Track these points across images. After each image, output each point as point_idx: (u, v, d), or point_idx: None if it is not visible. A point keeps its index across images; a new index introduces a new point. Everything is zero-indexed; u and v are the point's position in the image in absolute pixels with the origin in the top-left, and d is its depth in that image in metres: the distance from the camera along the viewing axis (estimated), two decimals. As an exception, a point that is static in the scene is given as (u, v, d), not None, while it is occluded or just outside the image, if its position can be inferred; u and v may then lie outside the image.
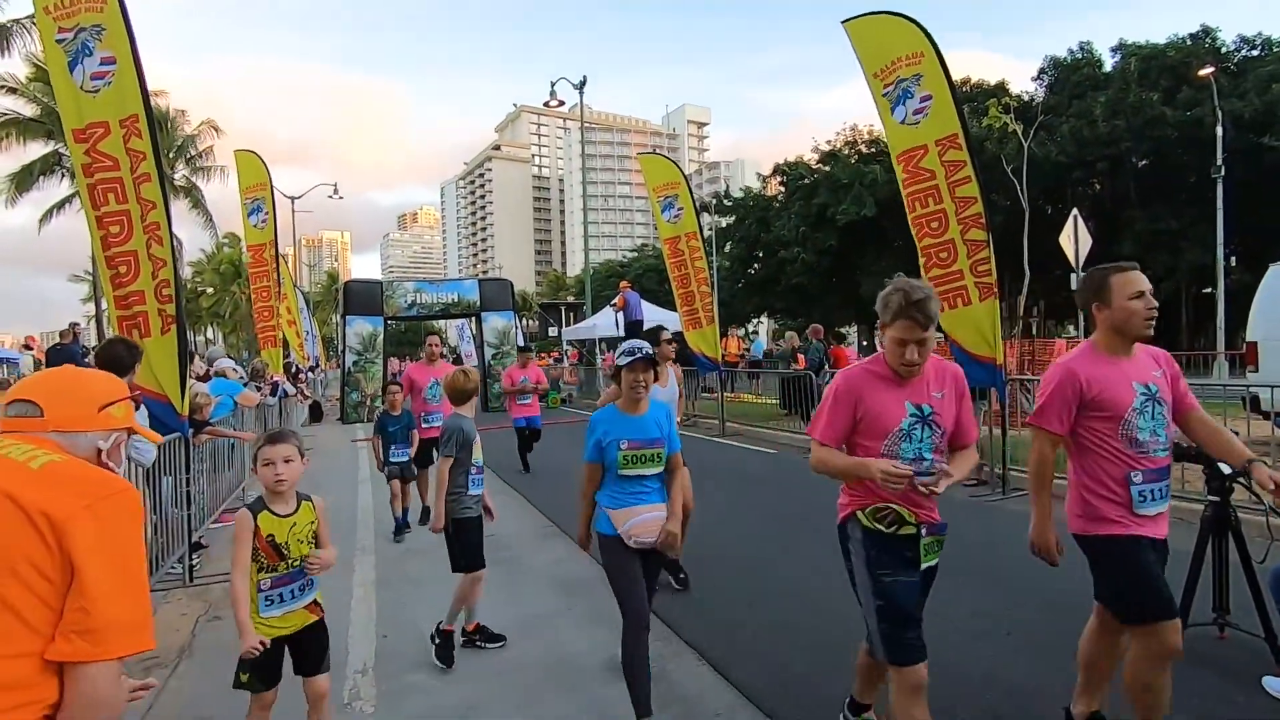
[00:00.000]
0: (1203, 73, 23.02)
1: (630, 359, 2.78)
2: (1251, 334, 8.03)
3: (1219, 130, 21.43)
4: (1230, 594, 3.34)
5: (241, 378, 8.99)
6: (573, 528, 5.95)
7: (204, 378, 7.57)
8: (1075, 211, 13.06)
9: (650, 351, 2.81)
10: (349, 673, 3.44)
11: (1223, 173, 21.21)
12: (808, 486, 7.67)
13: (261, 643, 2.29)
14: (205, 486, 6.13)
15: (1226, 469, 3.21)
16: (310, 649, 2.50)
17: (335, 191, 35.67)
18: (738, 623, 3.87)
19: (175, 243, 5.37)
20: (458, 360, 32.16)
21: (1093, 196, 30.04)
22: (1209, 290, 25.29)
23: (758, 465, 9.00)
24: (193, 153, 29.72)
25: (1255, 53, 28.06)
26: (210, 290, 47.91)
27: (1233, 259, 24.00)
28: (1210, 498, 3.31)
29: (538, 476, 8.34)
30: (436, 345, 6.65)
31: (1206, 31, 28.66)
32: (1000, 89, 31.62)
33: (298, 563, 2.40)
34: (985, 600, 4.04)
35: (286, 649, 2.45)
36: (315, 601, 2.50)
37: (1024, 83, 43.91)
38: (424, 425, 6.28)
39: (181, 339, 5.15)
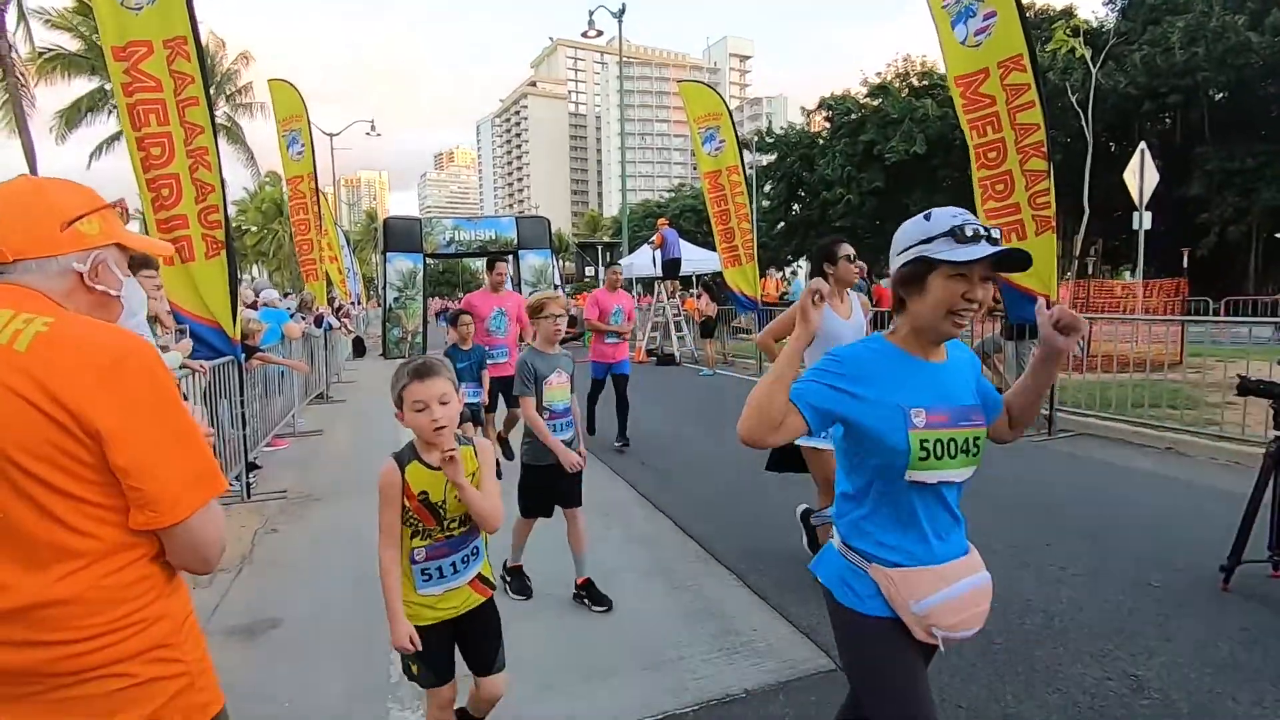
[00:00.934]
0: (1297, -7, 21.04)
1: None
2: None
3: (1310, 57, 19.68)
4: (1289, 532, 3.24)
5: (288, 308, 9.22)
6: (612, 457, 6.08)
7: (251, 306, 7.77)
8: (1143, 145, 12.28)
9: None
10: (399, 581, 3.60)
11: (1310, 105, 19.57)
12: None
13: (413, 638, 1.84)
14: (258, 410, 6.35)
15: (1298, 402, 3.07)
16: (480, 640, 2.02)
17: (373, 129, 35.50)
18: (774, 550, 3.91)
19: (222, 176, 5.42)
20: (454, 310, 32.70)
21: (1161, 132, 28.18)
22: (1281, 234, 23.84)
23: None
24: (232, 89, 29.83)
25: (1359, -31, 25.44)
26: (254, 229, 48.78)
27: (1311, 200, 22.44)
28: (1276, 433, 3.17)
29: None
30: (504, 272, 5.82)
31: (1305, -54, 26.03)
32: (1067, 13, 29.44)
33: (458, 527, 1.92)
34: (1027, 534, 4.00)
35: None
36: (482, 577, 2.00)
37: (1094, 4, 40.60)
38: (488, 362, 5.69)
39: (231, 265, 5.25)
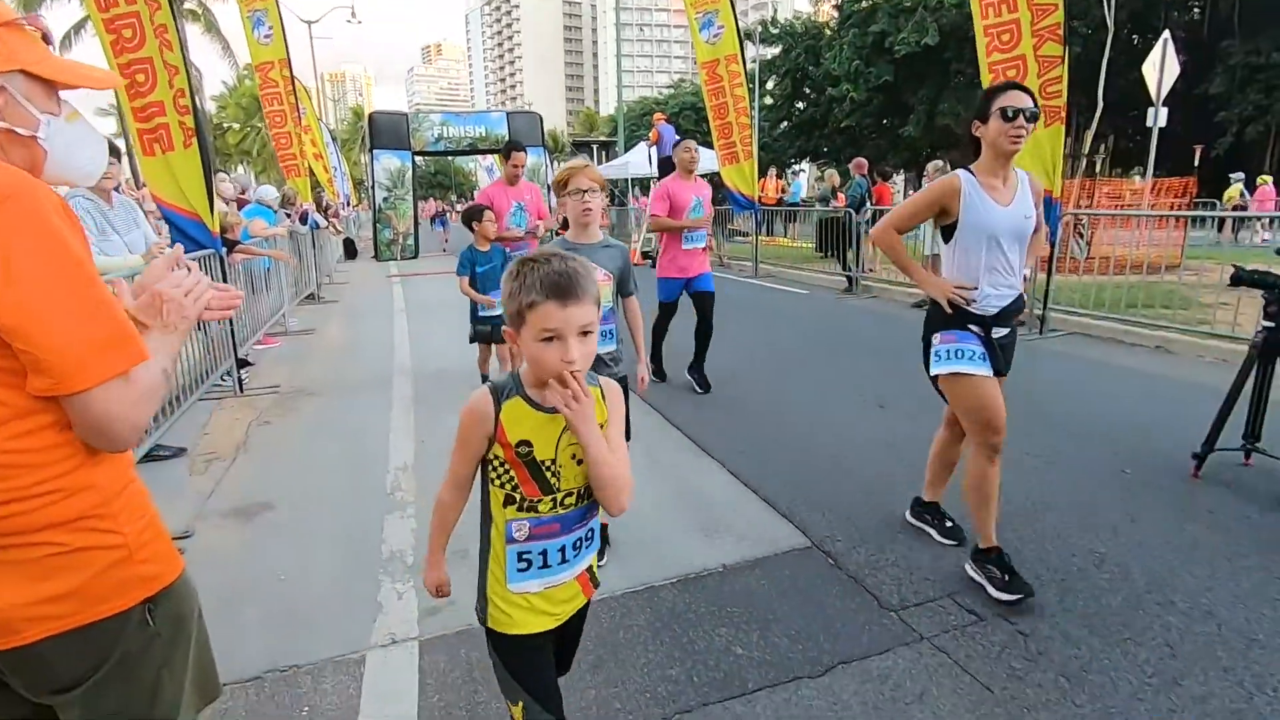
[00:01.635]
0: None
1: None
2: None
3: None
4: (1265, 422, 3.29)
5: (285, 211, 8.93)
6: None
7: (238, 203, 7.54)
8: (1166, 35, 11.60)
9: None
10: (390, 467, 3.68)
11: (1349, -8, 18.36)
12: (836, 319, 7.63)
13: (441, 588, 1.52)
14: (246, 307, 6.30)
15: (1290, 292, 3.04)
16: (567, 649, 1.55)
17: (353, 15, 33.44)
18: (758, 439, 3.98)
19: (189, 62, 5.10)
20: (472, 205, 31.91)
21: (1188, 24, 26.62)
22: (1301, 135, 22.99)
23: (789, 304, 8.91)
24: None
25: None
26: (235, 126, 46.86)
27: (1336, 98, 21.51)
28: (1265, 324, 3.15)
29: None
30: (522, 161, 4.99)
31: None
32: (1101, -113, 27.08)
33: (574, 499, 1.33)
34: (1027, 434, 4.05)
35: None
36: (590, 571, 1.44)
37: (1131, -120, 37.66)
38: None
39: (205, 154, 5.06)
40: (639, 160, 17.40)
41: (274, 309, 7.50)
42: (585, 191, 2.51)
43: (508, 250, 4.69)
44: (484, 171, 38.74)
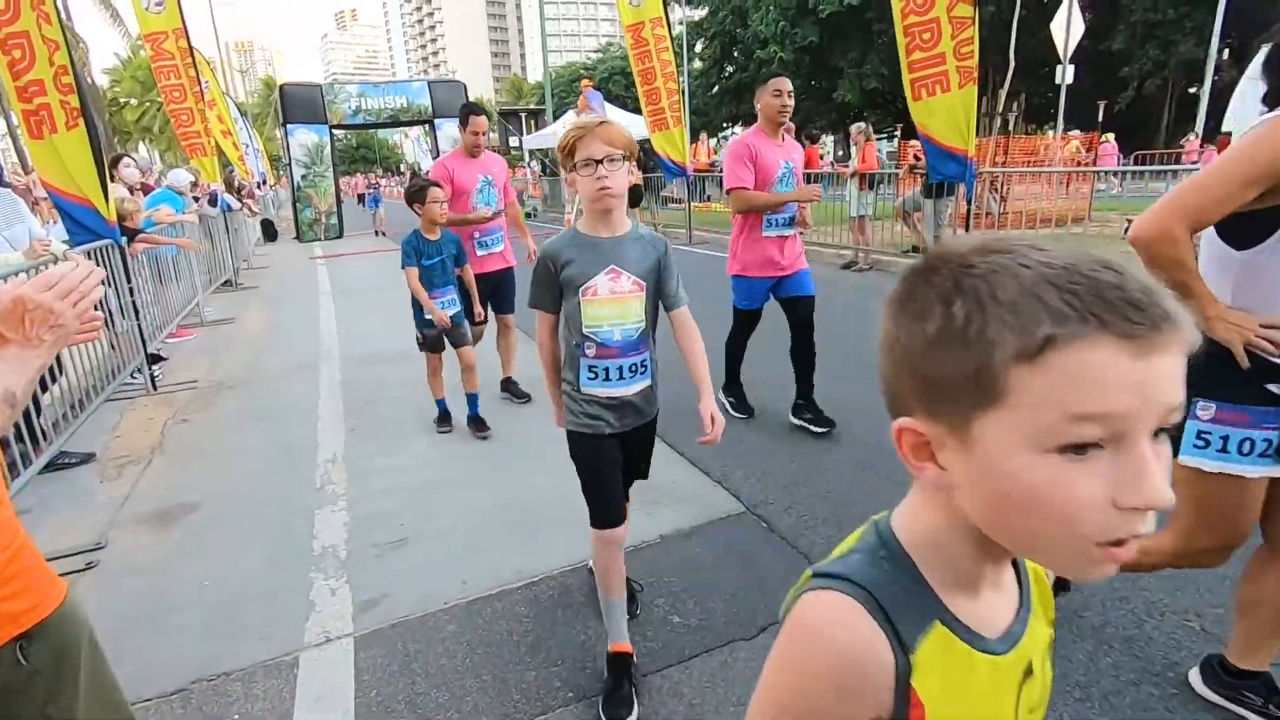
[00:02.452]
0: None
1: None
2: (1228, 124, 7.80)
3: (1241, -102, 19.29)
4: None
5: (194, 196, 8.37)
6: (530, 325, 6.01)
7: (145, 189, 7.03)
8: (1072, -7, 12.06)
9: None
10: (320, 459, 3.57)
11: (1235, -50, 19.44)
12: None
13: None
14: (154, 298, 5.93)
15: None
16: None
17: (255, -21, 31.29)
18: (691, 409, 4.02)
19: (69, 31, 4.68)
20: (417, 175, 30.59)
21: (1094, -18, 27.66)
22: (1194, 89, 24.39)
23: (723, 269, 8.97)
24: (77, -72, 25.42)
25: None
26: (133, 102, 43.60)
27: (1225, 52, 22.87)
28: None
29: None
30: (483, 128, 4.09)
31: None
32: None
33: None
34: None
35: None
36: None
37: None
38: (477, 253, 4.09)
39: (93, 135, 4.68)
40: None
41: (186, 299, 7.09)
42: (600, 161, 1.72)
43: (477, 236, 4.09)
44: (410, 143, 37.28)
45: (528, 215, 17.94)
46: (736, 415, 3.91)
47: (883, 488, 2.97)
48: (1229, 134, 7.97)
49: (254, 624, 2.29)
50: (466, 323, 3.94)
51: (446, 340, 3.87)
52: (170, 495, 3.28)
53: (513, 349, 4.47)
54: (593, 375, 1.86)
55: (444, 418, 3.95)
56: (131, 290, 5.01)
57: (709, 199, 16.01)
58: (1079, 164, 11.23)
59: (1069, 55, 12.04)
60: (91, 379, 4.36)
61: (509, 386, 4.46)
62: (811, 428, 3.63)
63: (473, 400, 3.90)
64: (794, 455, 3.36)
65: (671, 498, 2.99)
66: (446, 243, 3.74)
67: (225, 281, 9.41)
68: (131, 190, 6.28)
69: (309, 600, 2.40)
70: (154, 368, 5.26)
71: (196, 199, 8.47)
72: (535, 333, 1.98)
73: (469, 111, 4.17)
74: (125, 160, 6.74)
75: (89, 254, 4.47)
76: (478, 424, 3.85)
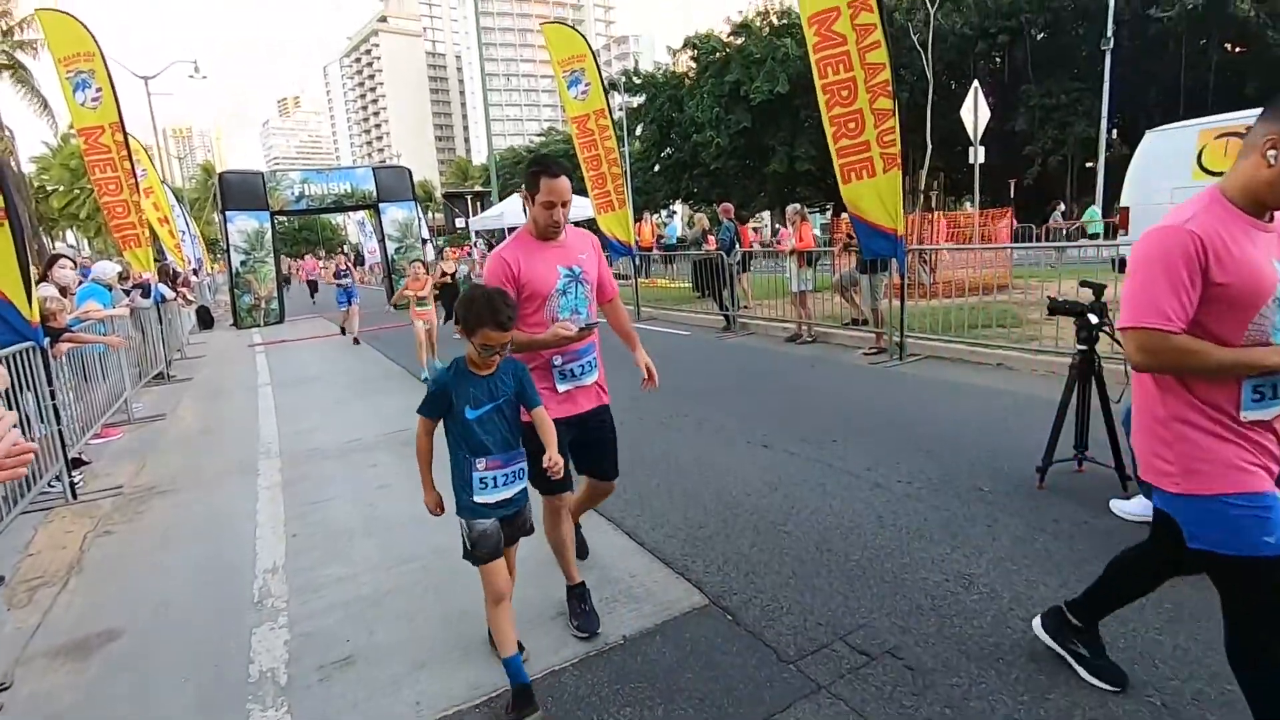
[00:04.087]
0: (1101, -61, 23.07)
1: None
2: (1125, 199, 8.55)
3: (1110, 1, 21.79)
4: (1090, 432, 3.70)
5: (122, 288, 8.09)
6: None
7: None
8: (976, 84, 13.19)
9: None
10: (258, 570, 3.35)
11: (1111, 44, 21.79)
12: (717, 359, 7.88)
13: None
14: (77, 399, 5.62)
15: (1095, 319, 3.45)
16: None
17: (197, 70, 31.53)
18: (650, 492, 3.99)
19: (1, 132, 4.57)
20: (359, 259, 30.24)
21: (993, 71, 30.45)
22: (1091, 164, 26.70)
23: (673, 345, 9.12)
24: (10, 23, 25.32)
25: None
26: (60, 189, 42.51)
27: (1114, 132, 25.25)
28: (1079, 347, 3.57)
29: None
30: (563, 196, 2.52)
31: (1108, -106, 28.45)
32: (910, -46, 30.74)
33: None
34: (880, 454, 4.33)
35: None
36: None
37: (934, -51, 42.92)
38: (558, 388, 2.63)
39: (17, 236, 4.51)
40: (514, 210, 17.38)
41: (113, 395, 6.74)
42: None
43: (559, 362, 2.60)
44: (354, 225, 37.20)
45: (475, 295, 17.97)
46: None
47: (845, 569, 2.97)
48: (1127, 207, 8.63)
49: (181, 771, 2.08)
50: (529, 507, 2.39)
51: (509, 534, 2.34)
52: (88, 622, 3.01)
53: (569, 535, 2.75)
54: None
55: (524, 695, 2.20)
56: (53, 393, 4.74)
57: (653, 275, 16.40)
58: (988, 238, 12.07)
59: (979, 138, 13.06)
60: (3, 490, 4.05)
61: (576, 599, 2.71)
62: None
63: (515, 666, 2.23)
64: (753, 540, 3.33)
65: (631, 596, 2.91)
66: (506, 377, 2.26)
67: (157, 375, 9.01)
68: (64, 291, 6.03)
69: (245, 737, 2.21)
70: (75, 473, 4.93)
71: (127, 291, 8.20)
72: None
73: (541, 172, 2.48)
74: (62, 261, 6.48)
75: (6, 360, 4.23)
76: (520, 701, 2.18)
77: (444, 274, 11.69)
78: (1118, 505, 3.31)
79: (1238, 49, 25.76)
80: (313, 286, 24.19)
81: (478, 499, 2.23)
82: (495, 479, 2.23)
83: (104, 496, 4.70)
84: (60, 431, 4.74)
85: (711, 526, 3.52)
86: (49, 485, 4.66)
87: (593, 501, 3.06)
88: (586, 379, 2.68)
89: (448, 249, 12.04)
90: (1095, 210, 22.18)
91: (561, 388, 2.63)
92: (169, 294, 10.31)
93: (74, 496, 4.68)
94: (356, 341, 11.41)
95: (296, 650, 2.67)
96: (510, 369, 2.29)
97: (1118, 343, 3.70)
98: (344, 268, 12.59)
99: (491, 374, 2.24)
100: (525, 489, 2.34)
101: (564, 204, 2.51)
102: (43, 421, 4.64)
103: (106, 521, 4.24)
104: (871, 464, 4.19)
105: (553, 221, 2.54)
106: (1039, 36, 28.95)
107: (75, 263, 7.04)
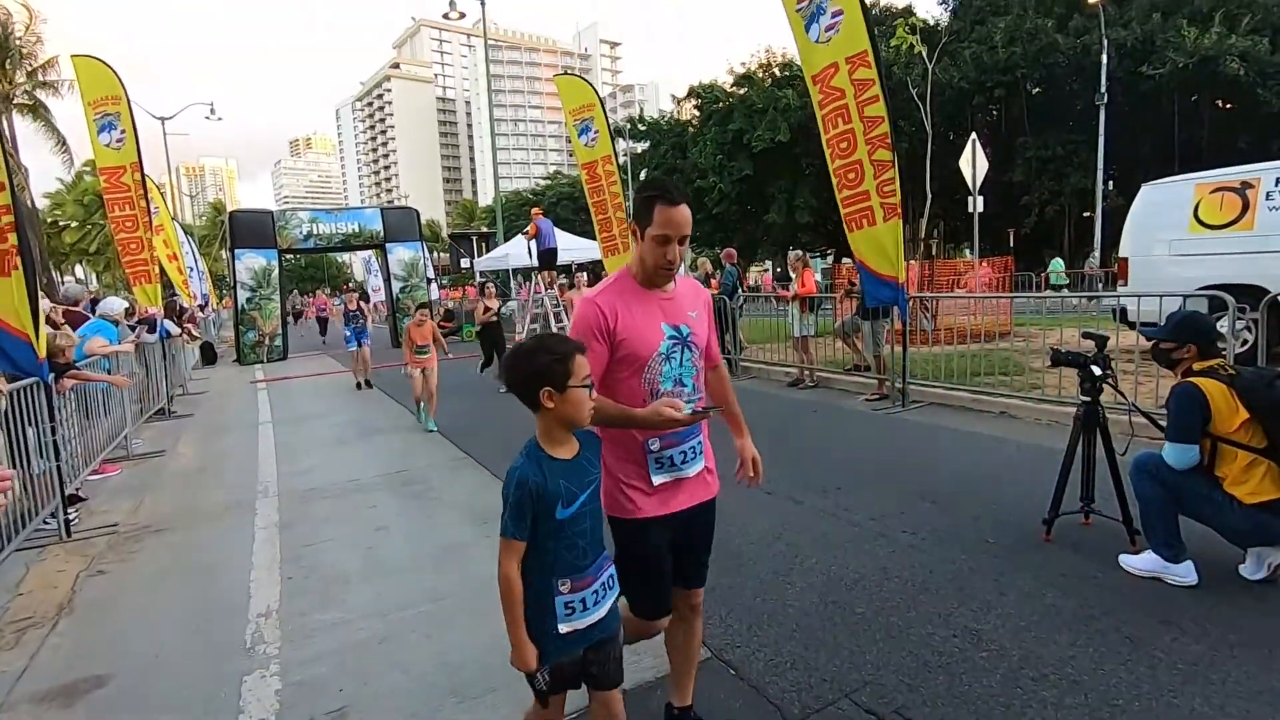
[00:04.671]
0: (1092, 0, 23.91)
1: None
2: (1124, 251, 8.64)
3: (1104, 58, 22.46)
4: (1096, 484, 3.67)
5: (129, 324, 8.15)
6: (490, 458, 5.88)
7: (65, 318, 6.82)
8: (974, 136, 13.48)
9: None
10: (251, 615, 3.29)
11: (1105, 100, 22.39)
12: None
13: None
14: (78, 435, 5.60)
15: (1098, 371, 3.46)
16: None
17: (212, 112, 32.37)
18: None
19: (13, 165, 4.67)
20: (364, 297, 30.52)
21: (990, 123, 31.19)
22: (1088, 214, 27.12)
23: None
24: (33, 64, 26.10)
25: (1139, -18, 29.30)
26: (74, 224, 43.17)
27: (1110, 183, 25.72)
28: (1083, 398, 3.57)
29: (450, 412, 8.00)
30: (680, 228, 1.92)
31: (1097, -41, 29.59)
32: (907, 11, 31.80)
33: None
34: (884, 504, 4.28)
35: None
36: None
37: (930, 5, 44.25)
38: (652, 479, 2.00)
39: (29, 274, 4.57)
40: (519, 252, 17.59)
41: (114, 431, 6.72)
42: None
43: (656, 448, 1.98)
44: (360, 262, 37.60)
45: (477, 334, 18.06)
46: None
47: (851, 623, 2.91)
48: (1125, 258, 8.72)
49: (164, 828, 2.01)
50: (621, 630, 1.91)
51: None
52: (75, 666, 2.94)
53: (694, 655, 2.32)
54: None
55: None
56: (54, 429, 4.72)
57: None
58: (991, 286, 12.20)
59: (978, 187, 13.29)
60: (-3, 528, 4.01)
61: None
62: None
63: None
64: (756, 591, 3.28)
65: (630, 647, 2.84)
66: (591, 455, 1.80)
67: (158, 410, 9.00)
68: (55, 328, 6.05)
69: (231, 793, 2.14)
70: (71, 510, 4.89)
71: (133, 326, 8.25)
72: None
73: (656, 197, 1.92)
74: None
75: (13, 394, 4.23)
76: None
77: (486, 310, 10.16)
78: (1126, 560, 3.27)
79: (1228, 105, 26.41)
80: (323, 324, 23.07)
81: (563, 628, 1.69)
82: (586, 599, 1.72)
83: (99, 534, 4.65)
84: (59, 467, 4.71)
85: (713, 577, 3.44)
86: (44, 522, 4.61)
87: (690, 632, 2.28)
88: (690, 469, 2.05)
89: (488, 285, 11.41)
90: (1059, 262, 22.82)
91: (657, 480, 2.00)
92: (174, 330, 10.38)
93: (68, 534, 4.63)
94: (369, 385, 10.81)
95: (288, 699, 2.60)
96: (589, 441, 1.81)
97: (1121, 395, 3.72)
98: (355, 307, 11.65)
99: (576, 456, 1.74)
100: (615, 611, 1.83)
101: (681, 240, 1.94)
102: (42, 457, 4.62)
103: (100, 560, 4.18)
104: (876, 514, 4.14)
105: (666, 262, 1.95)
106: (1034, 91, 29.73)
107: (78, 301, 7.10)
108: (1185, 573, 3.05)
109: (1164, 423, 3.14)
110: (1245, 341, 7.01)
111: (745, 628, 2.94)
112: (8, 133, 24.47)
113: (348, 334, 11.38)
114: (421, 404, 7.55)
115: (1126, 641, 2.67)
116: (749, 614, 3.06)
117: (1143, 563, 3.19)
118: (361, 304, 12.10)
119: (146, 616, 3.41)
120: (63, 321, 6.23)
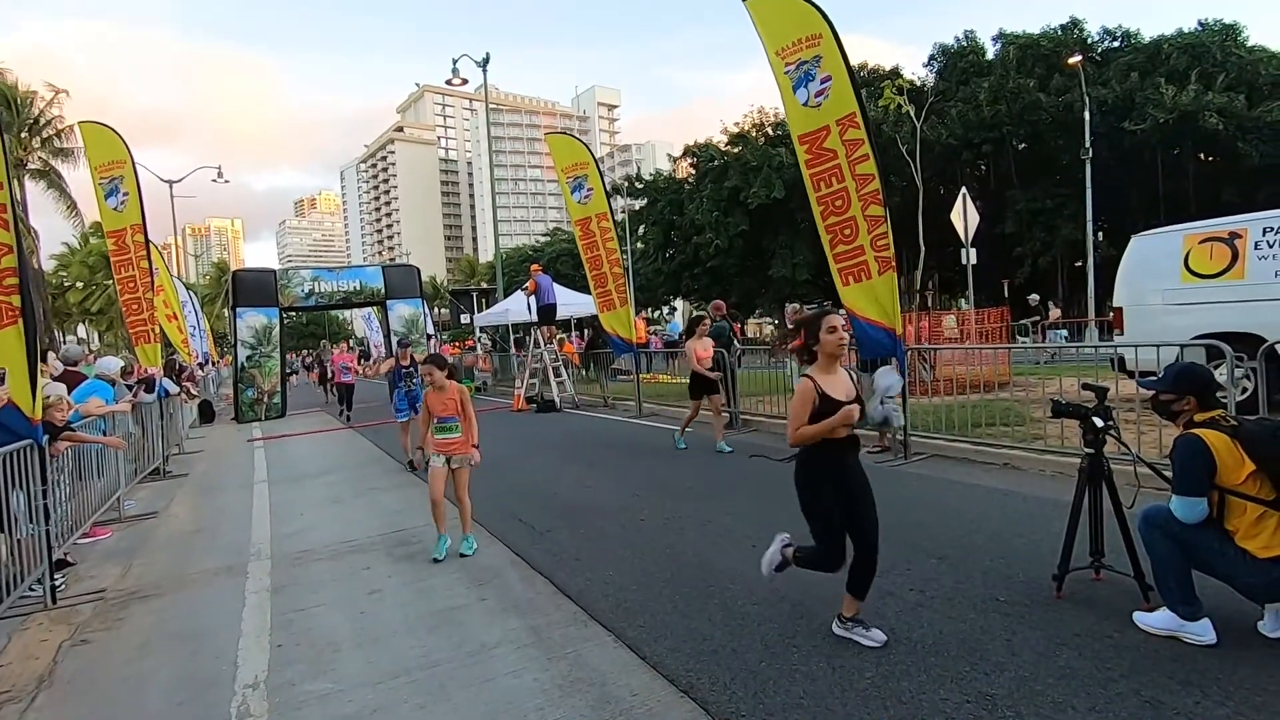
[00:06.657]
0: (1072, 61, 24.86)
1: None
2: (1117, 300, 8.72)
3: (1086, 115, 23.18)
4: (1105, 538, 3.59)
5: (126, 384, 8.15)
6: (486, 516, 5.77)
7: (63, 379, 6.82)
8: (964, 191, 13.80)
9: None
10: (238, 687, 3.17)
11: (1090, 154, 22.98)
12: (719, 456, 7.77)
13: None
14: (68, 497, 5.51)
15: (1100, 422, 3.43)
16: None
17: (220, 175, 33.17)
18: (652, 599, 3.83)
19: (23, 229, 4.76)
20: (365, 353, 30.61)
21: (979, 177, 31.97)
22: (1080, 264, 27.51)
23: (671, 442, 9.03)
24: (49, 132, 26.90)
25: (1116, 44, 30.55)
26: (79, 285, 43.71)
27: (1100, 234, 26.18)
28: (1086, 450, 3.53)
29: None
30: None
31: (1075, 23, 30.92)
32: (894, 73, 33.02)
33: None
34: (888, 559, 4.18)
35: None
36: None
37: (915, 67, 46.17)
38: None
39: (30, 334, 4.59)
40: (519, 308, 17.75)
41: (107, 493, 6.62)
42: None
43: None
44: (361, 319, 37.90)
45: (477, 390, 18.06)
46: None
47: (860, 688, 2.80)
48: (1120, 308, 8.79)
49: None
50: None
51: None
52: (52, 744, 2.82)
53: None
54: None
55: None
56: (45, 492, 4.65)
57: (653, 370, 16.52)
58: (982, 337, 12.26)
59: (970, 240, 13.52)
60: (-20, 596, 3.90)
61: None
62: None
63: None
64: (761, 654, 3.17)
65: (633, 714, 2.74)
66: None
67: (153, 470, 8.90)
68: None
69: None
70: (58, 576, 4.77)
71: (130, 386, 8.24)
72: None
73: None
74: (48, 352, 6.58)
75: (3, 458, 4.19)
76: None
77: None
78: (1141, 618, 3.17)
79: (1211, 158, 27.15)
80: (345, 393, 15.00)
81: None
82: None
83: (85, 601, 4.53)
84: (48, 532, 4.62)
85: (717, 639, 3.36)
86: (30, 589, 4.49)
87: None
88: None
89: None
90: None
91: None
92: (173, 388, 10.37)
93: (54, 601, 4.50)
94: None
95: (272, 779, 2.48)
96: None
97: (1124, 445, 3.68)
98: (407, 363, 8.55)
99: None
100: None
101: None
102: (31, 521, 4.53)
103: (85, 629, 4.06)
104: (882, 570, 4.01)
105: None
106: (1020, 146, 30.60)
107: (78, 361, 7.11)
108: (1203, 631, 2.96)
109: (1169, 473, 3.09)
110: (1245, 390, 6.99)
111: (750, 695, 2.83)
112: (19, 197, 25.05)
113: (398, 400, 8.52)
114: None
115: (1148, 706, 2.56)
116: (754, 679, 2.95)
117: (1159, 621, 3.09)
118: (409, 354, 8.89)
119: (129, 689, 3.29)
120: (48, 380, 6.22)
